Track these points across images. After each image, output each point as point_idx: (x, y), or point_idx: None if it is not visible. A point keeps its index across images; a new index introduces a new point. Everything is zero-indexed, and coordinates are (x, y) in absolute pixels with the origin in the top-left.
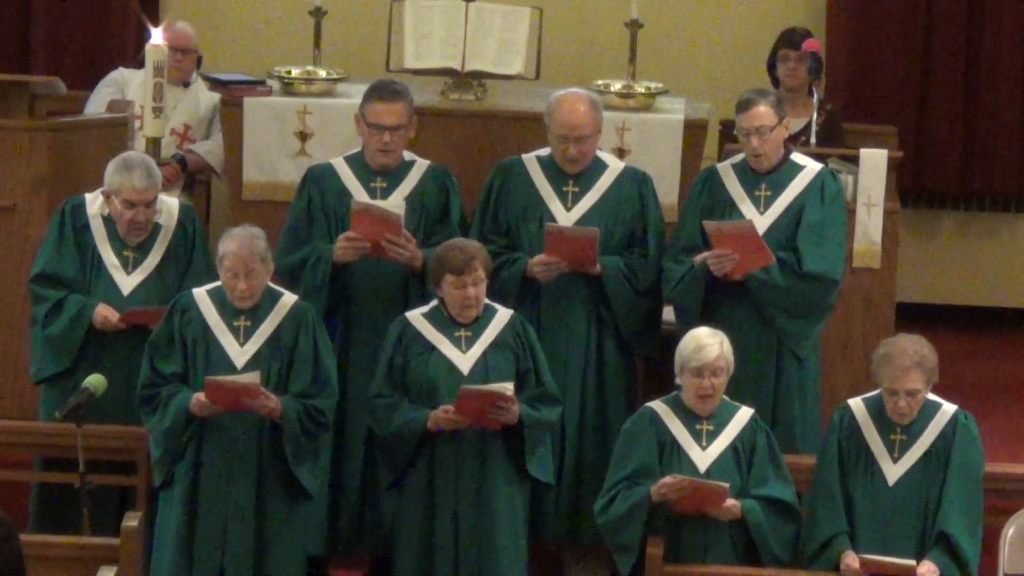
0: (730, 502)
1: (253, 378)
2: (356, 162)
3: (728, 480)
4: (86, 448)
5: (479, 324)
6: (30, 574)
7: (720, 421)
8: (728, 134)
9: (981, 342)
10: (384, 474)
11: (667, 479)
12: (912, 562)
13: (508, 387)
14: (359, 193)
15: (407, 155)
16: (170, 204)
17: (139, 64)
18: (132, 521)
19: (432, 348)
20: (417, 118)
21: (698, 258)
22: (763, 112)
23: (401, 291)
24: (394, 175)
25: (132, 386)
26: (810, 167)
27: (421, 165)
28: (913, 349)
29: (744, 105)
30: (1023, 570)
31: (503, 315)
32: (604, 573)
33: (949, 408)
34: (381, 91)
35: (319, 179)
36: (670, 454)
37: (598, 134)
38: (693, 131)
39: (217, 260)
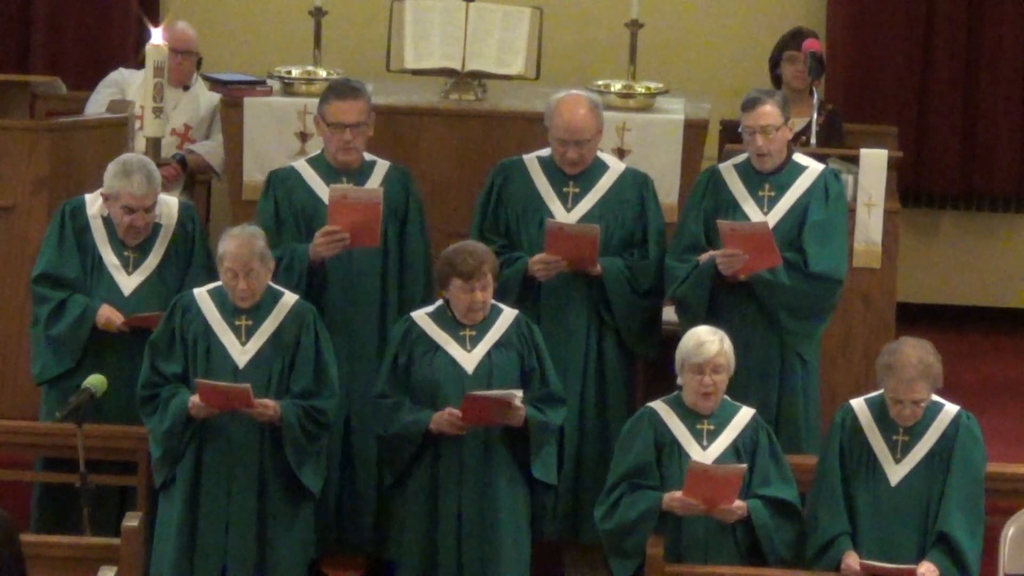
0: (737, 503)
1: (244, 387)
2: (318, 163)
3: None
4: (86, 448)
5: (484, 324)
6: (30, 574)
7: (721, 421)
8: (728, 134)
9: (981, 342)
10: (385, 474)
11: (678, 495)
12: (912, 566)
13: (517, 394)
14: (325, 195)
15: (367, 155)
16: (170, 204)
17: (139, 64)
18: (132, 521)
19: (437, 347)
20: (375, 115)
21: (704, 256)
22: (769, 111)
23: (376, 290)
24: (358, 174)
25: (133, 386)
26: (813, 167)
27: (382, 165)
28: (918, 358)
29: (750, 104)
30: (1023, 570)
31: (508, 315)
32: (604, 573)
33: (951, 409)
34: (338, 90)
35: (284, 182)
36: (670, 454)
37: (599, 136)
38: (693, 131)
39: (217, 260)
